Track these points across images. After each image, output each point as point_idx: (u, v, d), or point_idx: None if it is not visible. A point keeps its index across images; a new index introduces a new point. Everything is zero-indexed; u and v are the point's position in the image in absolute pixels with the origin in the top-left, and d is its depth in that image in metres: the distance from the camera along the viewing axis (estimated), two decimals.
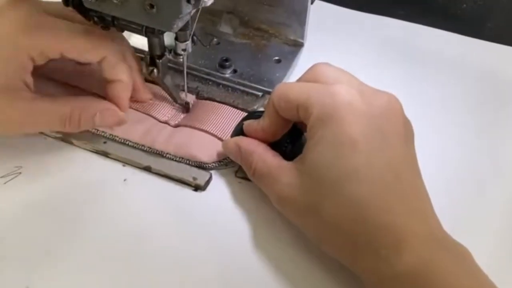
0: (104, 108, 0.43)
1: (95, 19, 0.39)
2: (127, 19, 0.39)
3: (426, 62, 0.57)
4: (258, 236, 0.40)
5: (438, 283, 0.31)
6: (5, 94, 0.40)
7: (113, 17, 0.39)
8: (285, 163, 0.39)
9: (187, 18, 0.38)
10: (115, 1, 0.36)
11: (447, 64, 0.57)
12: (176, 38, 0.42)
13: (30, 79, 0.42)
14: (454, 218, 0.35)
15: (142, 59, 0.45)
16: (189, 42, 0.42)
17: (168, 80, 0.45)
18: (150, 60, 0.43)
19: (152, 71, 0.43)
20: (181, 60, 0.45)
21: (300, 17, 0.53)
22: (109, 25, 0.40)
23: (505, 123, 0.51)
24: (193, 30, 0.41)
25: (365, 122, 0.35)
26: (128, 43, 0.45)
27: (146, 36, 0.41)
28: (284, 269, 0.39)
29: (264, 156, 0.40)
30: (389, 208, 0.33)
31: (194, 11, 0.37)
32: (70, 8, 0.39)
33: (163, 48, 0.43)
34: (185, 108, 0.48)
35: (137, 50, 0.49)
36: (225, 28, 0.56)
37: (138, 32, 0.40)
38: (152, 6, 0.35)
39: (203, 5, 0.37)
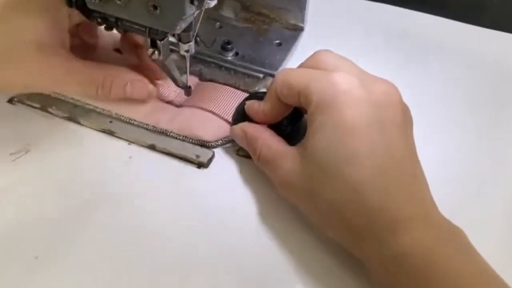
0: (136, 79, 0.45)
1: (99, 20, 0.40)
2: (130, 20, 0.39)
3: (427, 48, 0.58)
4: (259, 210, 0.42)
5: (435, 264, 0.32)
6: (43, 47, 0.41)
7: (117, 18, 0.39)
8: (288, 148, 0.40)
9: (191, 19, 0.38)
10: (118, 2, 0.36)
11: (448, 51, 0.57)
12: (179, 39, 0.42)
13: (67, 37, 0.43)
14: (456, 218, 0.36)
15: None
16: (192, 43, 0.42)
17: (169, 62, 0.45)
18: (151, 42, 0.43)
19: (153, 52, 0.43)
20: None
21: (300, 2, 0.54)
22: (112, 26, 0.40)
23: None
24: (196, 31, 0.41)
25: (364, 109, 0.36)
26: None
27: (149, 37, 0.41)
28: (286, 241, 0.40)
29: (269, 142, 0.41)
30: (387, 192, 0.34)
31: (197, 12, 0.38)
32: None
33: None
34: (187, 91, 0.48)
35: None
36: (227, 13, 0.57)
37: (142, 33, 0.40)
38: (155, 7, 0.36)
39: (206, 7, 0.37)
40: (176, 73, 0.46)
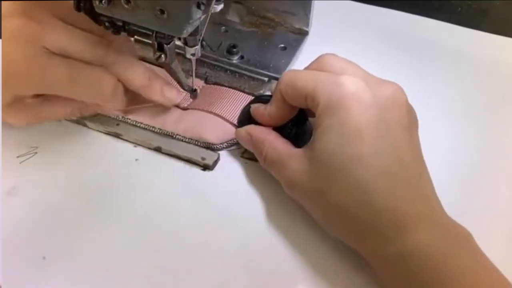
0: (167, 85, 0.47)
1: (106, 24, 0.40)
2: (137, 24, 0.39)
3: (430, 52, 0.58)
4: (264, 211, 0.42)
5: (439, 263, 0.33)
6: None
7: (124, 22, 0.39)
8: (294, 150, 0.40)
9: (197, 23, 0.38)
10: (126, 6, 0.37)
11: (451, 55, 0.58)
12: (185, 43, 0.42)
13: None
14: (461, 218, 0.36)
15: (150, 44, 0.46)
16: (198, 47, 0.42)
17: (175, 65, 0.46)
18: (158, 46, 0.43)
19: (160, 56, 0.43)
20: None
21: (305, 6, 0.55)
22: (119, 30, 0.40)
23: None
24: (202, 35, 0.41)
25: (370, 111, 0.36)
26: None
27: (156, 41, 0.41)
28: (292, 241, 0.41)
29: (274, 144, 0.41)
30: (393, 193, 0.35)
31: (203, 16, 0.38)
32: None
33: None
34: (193, 94, 0.49)
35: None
36: (233, 17, 0.58)
37: (148, 37, 0.40)
38: (162, 12, 0.36)
39: (212, 11, 0.38)
40: (182, 77, 0.46)
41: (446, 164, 0.46)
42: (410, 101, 0.39)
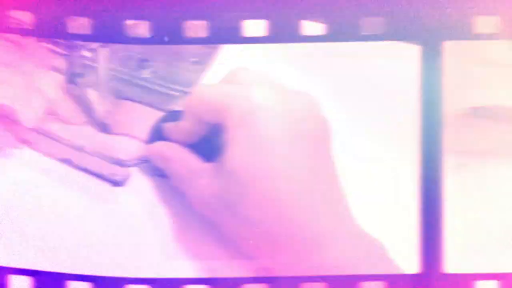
0: None
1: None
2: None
3: (348, 65, 0.56)
4: (174, 227, 0.43)
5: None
6: None
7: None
8: (206, 165, 0.41)
9: None
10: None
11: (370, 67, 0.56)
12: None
13: None
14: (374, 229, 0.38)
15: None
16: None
17: (86, 98, 0.46)
18: (70, 77, 0.44)
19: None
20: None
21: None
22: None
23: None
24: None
25: (282, 124, 0.36)
26: None
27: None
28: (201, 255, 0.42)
29: (185, 161, 0.42)
30: (307, 208, 0.35)
31: None
32: None
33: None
34: (103, 128, 0.48)
35: None
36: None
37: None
38: None
39: None
40: (92, 109, 0.47)
41: (361, 176, 0.46)
42: (325, 113, 0.39)
